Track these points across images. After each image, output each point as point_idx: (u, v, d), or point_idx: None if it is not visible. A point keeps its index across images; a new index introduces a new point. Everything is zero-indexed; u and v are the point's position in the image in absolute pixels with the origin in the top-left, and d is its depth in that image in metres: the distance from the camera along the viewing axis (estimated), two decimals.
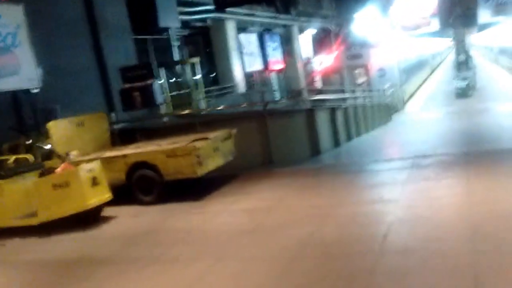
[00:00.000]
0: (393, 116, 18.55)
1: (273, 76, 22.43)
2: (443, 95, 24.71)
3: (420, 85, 31.47)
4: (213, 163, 7.29)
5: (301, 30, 24.76)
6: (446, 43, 62.02)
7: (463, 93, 22.11)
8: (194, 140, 7.28)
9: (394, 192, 5.92)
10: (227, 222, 5.93)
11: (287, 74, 23.00)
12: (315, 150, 9.61)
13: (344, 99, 12.07)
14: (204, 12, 16.81)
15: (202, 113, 10.53)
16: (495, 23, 25.03)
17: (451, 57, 43.35)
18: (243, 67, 18.90)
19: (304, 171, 8.22)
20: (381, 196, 5.81)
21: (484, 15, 19.62)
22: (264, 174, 8.24)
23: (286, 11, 22.17)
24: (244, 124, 9.04)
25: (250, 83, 19.42)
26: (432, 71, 40.91)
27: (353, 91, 13.92)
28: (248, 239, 5.12)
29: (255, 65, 20.75)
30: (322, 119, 10.18)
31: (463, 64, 23.28)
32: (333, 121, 10.73)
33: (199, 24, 17.44)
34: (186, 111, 10.49)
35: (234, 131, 7.99)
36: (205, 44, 18.89)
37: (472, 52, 26.65)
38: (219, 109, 9.41)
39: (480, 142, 9.23)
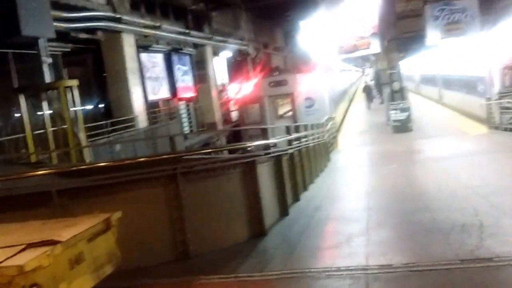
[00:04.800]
0: (331, 156, 15.75)
1: (183, 106, 18.91)
2: (376, 129, 22.64)
3: (345, 116, 29.61)
4: None
5: (215, 52, 21.62)
6: (357, 73, 63.12)
7: (403, 127, 20.08)
8: (24, 248, 3.50)
9: None
10: None
11: (200, 104, 19.61)
12: (256, 229, 6.22)
13: (290, 141, 8.74)
14: (91, 19, 13.03)
15: (71, 169, 6.61)
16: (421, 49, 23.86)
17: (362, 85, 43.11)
18: (145, 95, 15.21)
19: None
20: None
21: (432, 37, 17.75)
22: None
23: (199, 27, 18.93)
24: (142, 192, 5.44)
25: (153, 115, 15.72)
26: (350, 101, 39.81)
27: (296, 128, 10.69)
28: None
29: (161, 92, 17.13)
30: (265, 176, 6.81)
31: (398, 93, 21.40)
32: (279, 176, 7.40)
33: (85, 36, 13.60)
34: (41, 169, 6.47)
35: (117, 215, 4.30)
36: (96, 64, 14.98)
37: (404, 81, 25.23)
38: (103, 165, 5.68)
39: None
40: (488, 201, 7.02)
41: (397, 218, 6.96)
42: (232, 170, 6.15)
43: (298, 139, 9.62)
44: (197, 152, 6.37)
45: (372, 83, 40.34)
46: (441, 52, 25.54)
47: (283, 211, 7.35)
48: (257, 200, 6.27)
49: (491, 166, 10.95)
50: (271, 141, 7.60)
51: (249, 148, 6.97)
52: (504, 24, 18.06)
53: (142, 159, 5.75)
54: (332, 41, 20.05)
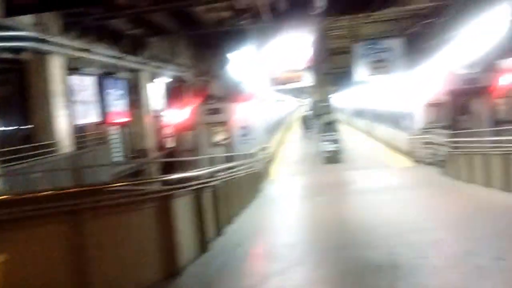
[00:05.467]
0: (262, 187, 15.55)
1: (114, 132, 18.18)
2: (309, 159, 22.80)
3: (280, 146, 29.75)
4: None
5: (152, 78, 21.14)
6: (295, 103, 64.29)
7: (333, 158, 20.32)
8: None
9: None
10: None
11: (133, 130, 18.96)
12: (170, 269, 5.80)
13: (213, 173, 8.42)
14: (16, 39, 12.30)
15: None
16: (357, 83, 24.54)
17: (299, 116, 43.86)
18: (72, 119, 14.45)
19: None
20: None
21: (360, 73, 18.25)
22: None
23: (134, 52, 18.43)
24: (38, 230, 4.90)
25: (81, 140, 14.93)
26: (287, 131, 40.24)
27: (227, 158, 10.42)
28: None
29: (90, 116, 16.40)
30: (183, 210, 6.45)
31: (330, 125, 21.75)
32: (199, 210, 7.05)
33: (9, 56, 12.83)
34: None
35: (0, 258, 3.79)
36: (20, 85, 14.10)
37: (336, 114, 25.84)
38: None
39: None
40: (402, 238, 6.98)
41: (317, 256, 6.80)
42: (145, 205, 5.75)
43: (225, 169, 9.32)
44: (108, 185, 5.86)
45: (309, 113, 41.14)
46: (372, 87, 26.40)
47: (203, 247, 6.98)
48: (172, 237, 5.90)
49: (412, 201, 11.13)
50: (190, 174, 7.24)
51: (167, 181, 6.56)
52: (427, 64, 18.93)
53: (43, 193, 5.20)
54: (266, 72, 20.19)
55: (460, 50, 17.04)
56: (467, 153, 12.87)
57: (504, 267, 5.26)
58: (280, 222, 10.08)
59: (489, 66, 17.34)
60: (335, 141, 20.69)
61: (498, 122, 16.23)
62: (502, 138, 11.53)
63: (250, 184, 13.17)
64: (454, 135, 14.92)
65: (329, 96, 22.47)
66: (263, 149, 18.52)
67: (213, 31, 19.24)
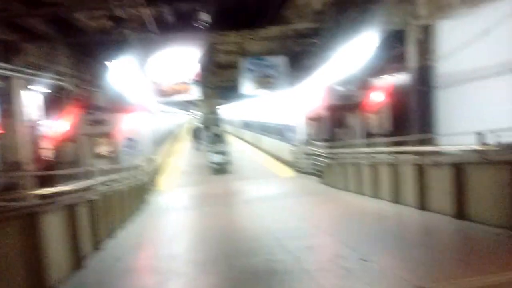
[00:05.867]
0: (149, 198, 15.16)
1: None
2: (198, 170, 22.74)
3: (169, 157, 29.31)
4: None
5: (27, 86, 19.62)
6: (185, 115, 64.00)
7: (221, 169, 20.49)
8: None
9: None
10: None
11: (6, 141, 17.39)
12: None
13: (89, 186, 8.01)
14: None
15: None
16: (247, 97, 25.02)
17: (188, 128, 43.69)
18: None
19: None
20: None
21: (246, 87, 18.61)
22: None
23: (7, 59, 16.98)
24: None
25: None
26: (176, 143, 39.84)
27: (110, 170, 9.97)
28: None
29: None
30: (54, 227, 6.03)
31: (218, 137, 21.94)
32: (72, 225, 6.64)
33: None
34: None
35: None
36: None
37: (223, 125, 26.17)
38: None
39: None
40: (282, 245, 7.22)
41: (198, 266, 6.75)
42: (9, 222, 5.28)
43: (104, 182, 8.92)
44: None
45: (199, 125, 41.16)
46: (259, 100, 27.15)
47: (78, 264, 6.59)
48: (40, 255, 5.48)
49: (293, 209, 11.54)
50: (63, 188, 6.82)
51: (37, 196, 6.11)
52: (309, 80, 19.94)
53: None
54: (153, 84, 19.84)
55: (337, 68, 18.19)
56: (342, 163, 13.73)
57: (368, 267, 5.70)
58: (164, 234, 9.90)
59: (362, 84, 18.75)
60: (223, 153, 20.91)
61: (369, 135, 17.55)
62: (370, 149, 12.45)
63: (136, 196, 12.79)
64: (331, 147, 15.84)
65: (218, 108, 22.71)
66: (150, 160, 18.10)
67: (95, 39, 18.43)
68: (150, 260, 7.60)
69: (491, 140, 7.31)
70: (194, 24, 14.59)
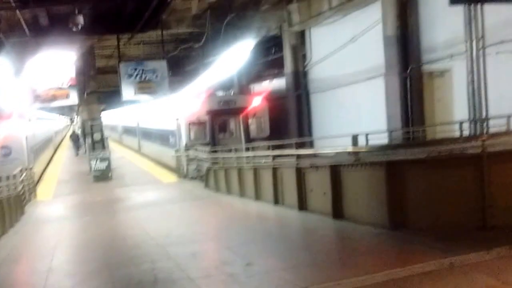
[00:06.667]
0: (26, 209, 13.48)
1: None
2: (79, 177, 20.97)
3: (48, 165, 26.74)
4: None
5: None
6: (65, 121, 59.52)
7: (103, 176, 19.04)
8: None
9: None
10: None
11: None
12: None
13: None
14: None
15: None
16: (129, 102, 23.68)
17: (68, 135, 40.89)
18: None
19: None
20: None
21: (127, 93, 17.43)
22: None
23: None
24: None
25: None
26: (56, 150, 36.70)
27: None
28: None
29: None
30: None
31: (99, 143, 20.37)
32: None
33: None
34: None
35: None
36: None
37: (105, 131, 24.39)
38: None
39: None
40: (166, 252, 6.78)
41: (75, 279, 6.09)
42: None
43: None
44: None
45: (79, 131, 38.47)
46: (141, 106, 25.93)
47: None
48: None
49: (177, 215, 11.07)
50: None
51: None
52: (190, 85, 19.41)
53: None
54: (28, 89, 17.87)
55: (217, 73, 17.91)
56: (225, 167, 13.43)
57: (252, 272, 5.45)
58: (42, 246, 8.92)
59: (241, 89, 18.68)
60: (104, 159, 19.50)
61: (250, 139, 17.52)
62: (251, 153, 12.29)
63: (11, 207, 11.29)
64: (214, 151, 15.46)
65: (99, 114, 21.13)
66: (28, 169, 16.22)
67: None
68: (26, 275, 6.78)
69: (363, 142, 7.45)
70: (70, 28, 13.29)
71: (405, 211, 6.31)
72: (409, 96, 12.25)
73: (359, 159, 7.09)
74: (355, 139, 7.33)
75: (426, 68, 12.04)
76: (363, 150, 7.10)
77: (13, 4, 12.86)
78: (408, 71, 12.17)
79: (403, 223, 6.29)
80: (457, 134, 9.05)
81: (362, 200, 7.08)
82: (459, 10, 9.92)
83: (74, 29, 13.56)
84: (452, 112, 11.24)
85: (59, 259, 7.43)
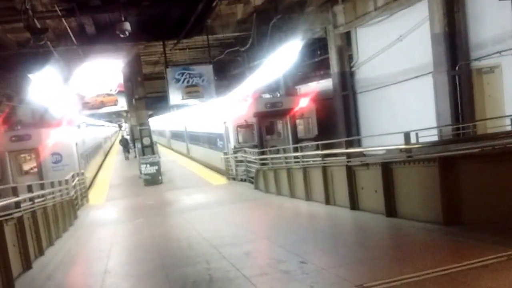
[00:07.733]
0: (79, 213, 14.23)
1: None
2: (130, 182, 21.84)
3: (99, 170, 27.98)
4: None
5: None
6: (113, 127, 61.73)
7: (153, 180, 19.80)
8: None
9: None
10: None
11: None
12: None
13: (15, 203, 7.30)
14: None
15: None
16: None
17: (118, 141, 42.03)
18: None
19: None
20: None
21: (174, 97, 18.12)
22: None
23: None
24: None
25: None
26: (106, 155, 38.21)
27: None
28: None
29: None
30: None
31: (149, 148, 21.21)
32: None
33: None
34: None
35: None
36: None
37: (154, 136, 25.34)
38: None
39: None
40: (219, 252, 6.95)
41: (133, 280, 6.34)
42: None
43: (29, 199, 8.18)
44: None
45: (128, 136, 39.92)
46: (188, 110, 26.65)
47: (7, 284, 5.91)
48: None
49: (228, 216, 11.31)
50: None
51: None
52: (237, 89, 19.83)
53: None
54: (78, 96, 18.85)
55: (263, 76, 18.23)
56: (274, 168, 13.67)
57: (307, 269, 5.54)
58: (97, 249, 9.24)
59: (289, 91, 18.92)
60: (154, 164, 20.23)
61: (298, 140, 17.73)
62: (300, 154, 12.47)
63: (65, 211, 11.93)
64: (262, 153, 15.76)
65: (147, 119, 21.98)
66: (79, 175, 17.08)
67: (15, 53, 17.14)
68: (83, 277, 7.03)
69: (414, 139, 7.51)
70: (116, 35, 13.92)
71: (460, 206, 6.32)
72: (458, 93, 12.14)
73: (411, 156, 7.16)
74: (407, 136, 7.40)
75: (475, 64, 11.89)
76: (416, 146, 7.16)
77: (60, 13, 13.59)
78: (457, 68, 12.06)
79: (457, 218, 6.31)
80: (508, 129, 8.94)
81: (415, 196, 7.10)
82: (507, 5, 9.81)
83: (122, 36, 14.08)
84: (503, 107, 11.06)
85: (115, 261, 7.70)
